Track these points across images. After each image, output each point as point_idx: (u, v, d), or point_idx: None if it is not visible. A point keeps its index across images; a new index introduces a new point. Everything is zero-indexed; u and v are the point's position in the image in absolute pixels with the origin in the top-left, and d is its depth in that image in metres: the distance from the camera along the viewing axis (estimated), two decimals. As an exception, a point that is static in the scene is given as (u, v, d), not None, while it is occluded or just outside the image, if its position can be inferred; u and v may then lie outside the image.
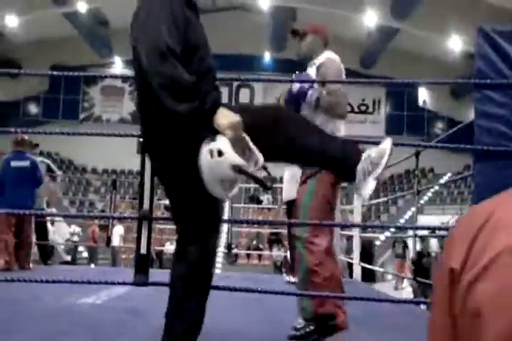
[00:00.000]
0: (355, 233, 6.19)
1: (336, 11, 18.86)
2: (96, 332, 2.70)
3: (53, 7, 18.68)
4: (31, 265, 5.66)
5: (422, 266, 7.16)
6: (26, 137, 5.80)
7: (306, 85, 2.65)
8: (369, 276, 11.21)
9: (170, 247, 10.50)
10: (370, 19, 18.98)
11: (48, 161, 6.93)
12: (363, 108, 24.91)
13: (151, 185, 2.63)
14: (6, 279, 2.78)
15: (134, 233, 10.86)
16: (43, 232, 6.62)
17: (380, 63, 23.23)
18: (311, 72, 2.80)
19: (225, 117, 1.66)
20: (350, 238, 11.28)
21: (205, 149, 1.64)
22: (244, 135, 1.69)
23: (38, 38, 22.30)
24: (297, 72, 2.89)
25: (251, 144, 1.69)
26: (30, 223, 5.66)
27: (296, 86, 2.69)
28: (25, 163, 5.48)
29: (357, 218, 6.15)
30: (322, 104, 2.57)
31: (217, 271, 7.39)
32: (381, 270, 7.77)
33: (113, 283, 2.84)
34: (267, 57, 24.82)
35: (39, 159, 6.35)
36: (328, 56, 2.81)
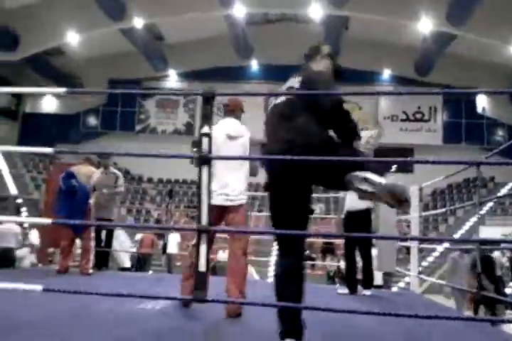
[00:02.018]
0: (414, 244, 6.03)
1: (389, 18, 18.57)
2: (156, 338, 2.76)
3: (111, 24, 19.40)
4: (91, 271, 5.87)
5: None
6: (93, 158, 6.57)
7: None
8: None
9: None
10: (425, 26, 18.55)
11: (119, 174, 7.14)
12: (418, 116, 24.31)
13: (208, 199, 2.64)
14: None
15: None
16: (108, 240, 6.96)
17: (436, 70, 22.67)
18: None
19: None
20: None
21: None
22: None
23: (96, 53, 23.22)
24: None
25: None
26: (88, 231, 5.95)
27: None
28: (75, 183, 5.96)
29: (414, 229, 6.00)
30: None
31: (269, 280, 7.38)
32: (443, 282, 7.51)
33: (175, 298, 3.02)
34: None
35: (112, 170, 7.08)
36: None
